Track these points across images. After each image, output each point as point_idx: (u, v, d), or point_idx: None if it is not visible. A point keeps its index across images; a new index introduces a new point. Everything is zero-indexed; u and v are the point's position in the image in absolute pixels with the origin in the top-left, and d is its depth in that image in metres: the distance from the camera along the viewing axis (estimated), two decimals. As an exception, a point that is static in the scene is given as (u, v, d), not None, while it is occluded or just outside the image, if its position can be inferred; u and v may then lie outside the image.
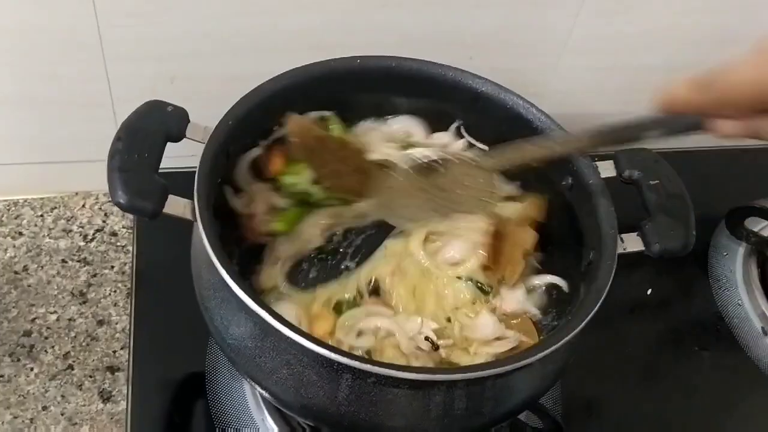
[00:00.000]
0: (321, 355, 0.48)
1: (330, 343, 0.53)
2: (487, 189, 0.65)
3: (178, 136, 0.61)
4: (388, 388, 0.50)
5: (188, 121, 0.61)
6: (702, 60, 0.90)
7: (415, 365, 0.56)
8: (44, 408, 0.72)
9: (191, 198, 0.56)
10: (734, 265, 0.89)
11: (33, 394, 0.73)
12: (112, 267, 0.83)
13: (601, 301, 0.54)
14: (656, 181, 0.62)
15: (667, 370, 0.81)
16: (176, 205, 0.56)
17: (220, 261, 0.51)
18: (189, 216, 0.55)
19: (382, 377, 0.49)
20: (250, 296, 0.50)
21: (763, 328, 0.85)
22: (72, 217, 0.87)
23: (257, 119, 0.65)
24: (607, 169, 0.65)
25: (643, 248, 0.61)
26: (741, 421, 0.79)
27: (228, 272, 0.51)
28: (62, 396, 0.73)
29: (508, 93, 0.69)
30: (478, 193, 0.66)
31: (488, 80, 0.69)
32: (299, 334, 0.48)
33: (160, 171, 0.58)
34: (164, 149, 0.59)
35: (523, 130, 0.67)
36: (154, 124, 0.59)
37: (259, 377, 0.55)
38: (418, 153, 0.69)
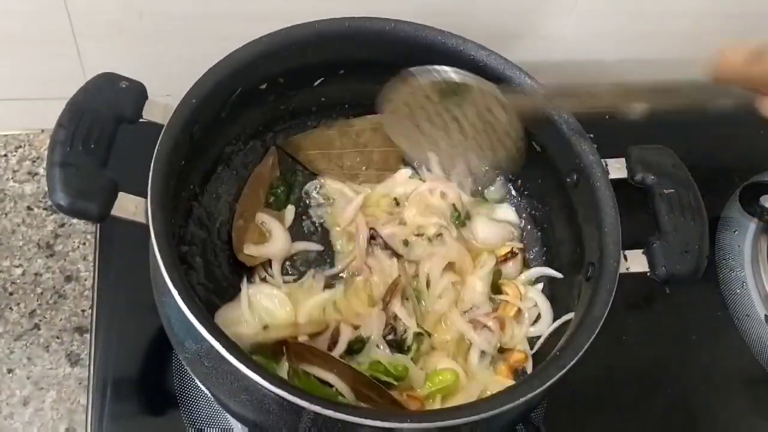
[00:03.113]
0: (279, 396, 0.44)
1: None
2: (508, 128, 0.58)
3: (133, 117, 0.53)
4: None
5: (146, 98, 0.54)
6: (728, 8, 0.82)
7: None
8: (9, 371, 0.70)
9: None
10: (743, 242, 0.84)
11: (-3, 354, 0.70)
12: (82, 216, 0.78)
13: (594, 335, 0.49)
14: (671, 191, 0.55)
15: (665, 361, 0.76)
16: (126, 206, 0.49)
17: (173, 282, 0.46)
18: (141, 219, 0.49)
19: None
20: (206, 328, 0.45)
21: (766, 315, 0.80)
22: (38, 158, 0.81)
23: (227, 93, 0.57)
24: (617, 169, 0.59)
25: (648, 269, 0.55)
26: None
27: (182, 297, 0.45)
28: (28, 358, 0.70)
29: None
30: (498, 130, 0.58)
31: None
32: (257, 373, 0.44)
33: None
34: (116, 134, 0.52)
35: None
36: (103, 105, 0.51)
37: (217, 393, 0.51)
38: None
